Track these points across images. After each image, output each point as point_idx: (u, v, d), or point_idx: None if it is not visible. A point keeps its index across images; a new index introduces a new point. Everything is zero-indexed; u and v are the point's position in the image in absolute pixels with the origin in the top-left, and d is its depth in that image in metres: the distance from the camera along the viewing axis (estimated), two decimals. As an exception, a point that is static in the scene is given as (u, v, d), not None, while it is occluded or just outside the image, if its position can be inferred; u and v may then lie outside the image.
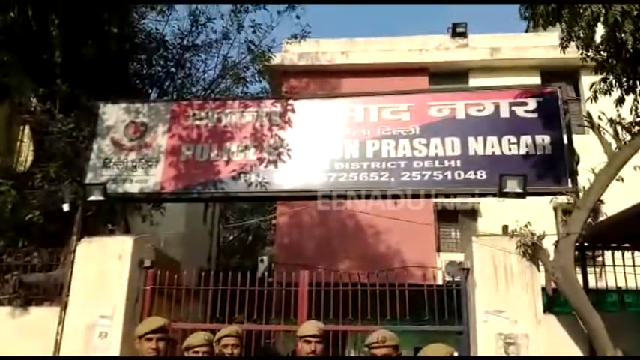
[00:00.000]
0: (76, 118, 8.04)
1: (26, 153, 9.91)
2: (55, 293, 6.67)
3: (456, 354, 3.98)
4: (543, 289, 6.00)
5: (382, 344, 3.84)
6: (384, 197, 7.02)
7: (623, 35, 5.15)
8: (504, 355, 5.61)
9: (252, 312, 6.31)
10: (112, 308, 6.17)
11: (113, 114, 7.52)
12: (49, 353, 6.10)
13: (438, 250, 13.57)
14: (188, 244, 14.63)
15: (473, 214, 13.64)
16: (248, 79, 10.94)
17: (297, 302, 6.24)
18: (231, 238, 24.05)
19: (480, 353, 5.69)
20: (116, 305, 6.19)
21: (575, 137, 6.66)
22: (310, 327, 4.33)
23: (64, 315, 6.26)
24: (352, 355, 7.90)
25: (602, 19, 5.08)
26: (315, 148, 7.10)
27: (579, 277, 5.88)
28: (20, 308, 6.47)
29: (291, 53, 14.55)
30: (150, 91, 10.62)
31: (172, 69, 10.75)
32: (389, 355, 3.83)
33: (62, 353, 6.11)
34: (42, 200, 7.57)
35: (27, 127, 9.91)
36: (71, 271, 6.43)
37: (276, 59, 12.74)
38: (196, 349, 4.10)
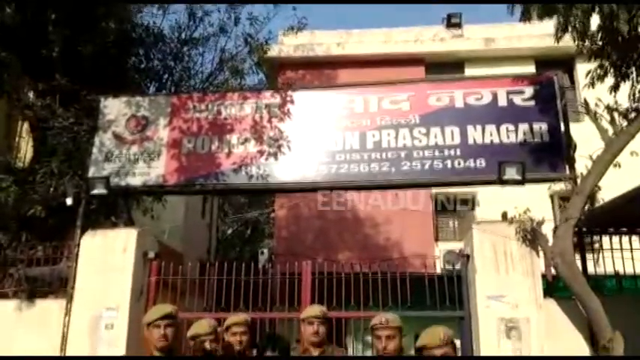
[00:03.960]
0: (76, 113, 8.06)
1: (25, 149, 9.93)
2: (59, 286, 6.73)
3: (457, 342, 4.05)
4: (544, 275, 6.09)
5: (386, 325, 3.91)
6: (385, 187, 7.10)
7: (618, 24, 5.23)
8: (506, 339, 5.71)
9: (256, 302, 6.38)
10: (117, 300, 6.24)
11: (114, 108, 7.55)
12: (56, 344, 6.18)
13: (436, 239, 13.63)
14: (187, 237, 14.68)
15: (471, 202, 13.70)
16: (245, 72, 10.95)
17: (300, 292, 6.32)
18: (230, 231, 24.10)
19: (482, 338, 5.79)
20: (121, 297, 6.26)
21: (571, 125, 6.74)
22: (313, 309, 4.43)
23: (70, 307, 6.33)
24: (351, 343, 7.98)
25: (597, 9, 5.15)
26: (315, 139, 7.15)
27: (578, 262, 5.97)
28: (26, 301, 6.53)
29: (287, 45, 14.55)
30: (148, 85, 10.65)
31: (170, 63, 10.76)
32: (392, 336, 3.89)
33: (69, 344, 6.19)
34: (44, 195, 7.61)
35: (26, 123, 9.93)
36: (76, 264, 6.49)
37: (273, 51, 12.77)
38: (203, 337, 4.15)
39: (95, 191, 6.80)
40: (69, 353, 6.17)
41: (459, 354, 4.20)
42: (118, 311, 6.21)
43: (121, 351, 5.98)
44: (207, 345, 4.11)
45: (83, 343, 6.13)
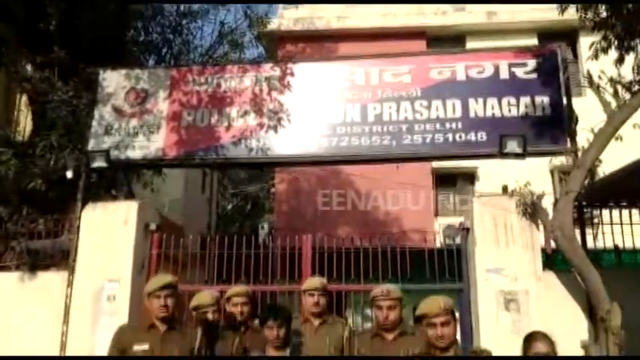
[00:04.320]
0: (75, 86, 8.00)
1: (24, 122, 9.89)
2: (60, 259, 6.76)
3: (457, 314, 4.07)
4: (543, 249, 6.11)
5: (387, 296, 3.95)
6: (386, 161, 7.08)
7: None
8: (505, 311, 5.76)
9: (256, 275, 6.42)
10: (119, 272, 6.28)
11: (113, 81, 7.47)
12: (59, 316, 6.23)
13: (436, 214, 13.66)
14: (187, 211, 14.72)
15: (471, 178, 13.72)
16: (245, 45, 10.86)
17: (300, 265, 6.35)
18: (230, 206, 24.14)
19: (481, 310, 5.85)
20: (123, 269, 6.29)
21: (573, 99, 6.66)
22: (314, 281, 4.48)
23: (72, 279, 6.37)
24: (351, 315, 8.04)
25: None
26: (316, 112, 7.08)
27: (578, 236, 5.98)
28: (28, 273, 6.57)
29: (287, 18, 14.42)
30: (147, 58, 10.57)
31: (169, 36, 10.67)
32: (393, 306, 3.94)
33: (71, 316, 6.24)
34: (44, 168, 7.60)
35: (24, 96, 9.87)
36: (77, 237, 6.51)
37: (273, 25, 12.65)
38: (205, 309, 4.19)
39: (95, 164, 6.80)
40: (71, 325, 6.22)
41: (458, 325, 4.23)
42: (120, 283, 6.25)
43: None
44: (209, 316, 4.15)
45: (85, 314, 6.18)
